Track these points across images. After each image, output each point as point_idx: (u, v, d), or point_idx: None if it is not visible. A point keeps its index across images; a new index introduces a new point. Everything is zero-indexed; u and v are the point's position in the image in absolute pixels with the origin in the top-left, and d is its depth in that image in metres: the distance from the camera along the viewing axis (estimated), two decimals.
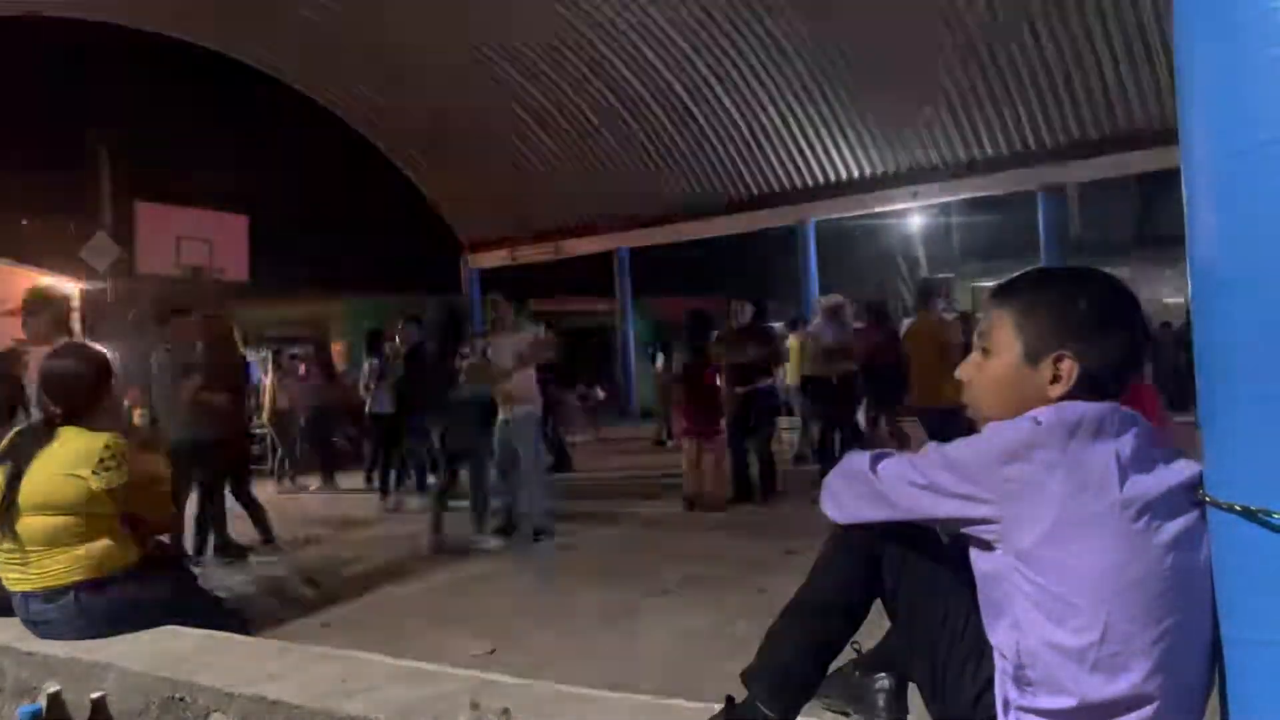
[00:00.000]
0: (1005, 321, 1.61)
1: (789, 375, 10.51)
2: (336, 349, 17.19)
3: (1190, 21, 1.37)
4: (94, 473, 2.90)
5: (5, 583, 3.01)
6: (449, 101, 17.91)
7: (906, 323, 8.70)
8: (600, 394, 18.00)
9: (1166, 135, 12.51)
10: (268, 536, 6.82)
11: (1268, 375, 1.26)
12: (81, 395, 3.08)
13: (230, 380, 6.74)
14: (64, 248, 14.52)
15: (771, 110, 16.03)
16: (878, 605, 1.84)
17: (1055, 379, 1.54)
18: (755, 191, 17.33)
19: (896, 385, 8.34)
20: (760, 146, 16.71)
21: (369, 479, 10.14)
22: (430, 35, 16.24)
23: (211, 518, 6.49)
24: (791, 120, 16.06)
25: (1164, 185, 19.69)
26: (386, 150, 20.04)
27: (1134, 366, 1.57)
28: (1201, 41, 1.34)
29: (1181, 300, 17.70)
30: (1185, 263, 1.39)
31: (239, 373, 7.33)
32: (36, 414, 3.64)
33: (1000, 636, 1.54)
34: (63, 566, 2.91)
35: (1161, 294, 20.94)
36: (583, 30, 15.59)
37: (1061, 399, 1.53)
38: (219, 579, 5.50)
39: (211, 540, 6.48)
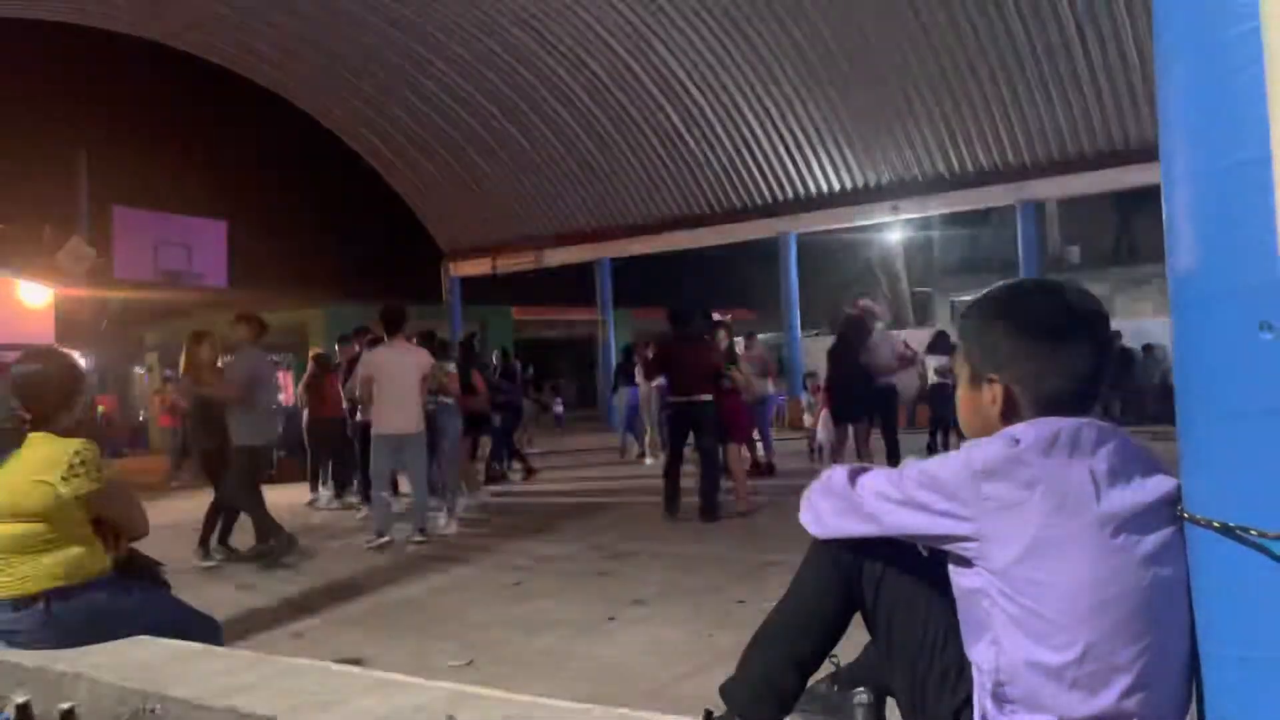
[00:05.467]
0: (960, 347, 1.67)
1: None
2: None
3: (1171, 41, 1.38)
4: (62, 479, 2.85)
5: None
6: (432, 111, 17.90)
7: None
8: (559, 405, 17.73)
9: (1145, 152, 12.72)
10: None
11: (1247, 392, 1.27)
12: (50, 400, 3.03)
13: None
14: (40, 252, 14.39)
15: (754, 123, 16.10)
16: (857, 619, 1.84)
17: (994, 400, 1.57)
18: (737, 204, 17.39)
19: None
20: (743, 159, 16.78)
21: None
22: (415, 45, 16.24)
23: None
24: (774, 133, 16.14)
25: (1143, 202, 19.93)
26: (369, 157, 19.98)
27: (1084, 382, 1.54)
28: (1182, 60, 1.35)
29: (1160, 316, 17.87)
30: (1163, 279, 1.40)
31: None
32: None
33: (979, 653, 1.54)
34: (32, 574, 2.86)
35: (1139, 310, 21.17)
36: (567, 41, 15.62)
37: (1006, 420, 1.55)
38: (192, 588, 5.44)
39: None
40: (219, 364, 7.09)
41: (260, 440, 6.82)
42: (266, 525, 6.66)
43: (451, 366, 8.50)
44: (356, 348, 9.20)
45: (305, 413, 10.45)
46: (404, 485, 8.31)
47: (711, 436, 7.65)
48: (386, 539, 6.99)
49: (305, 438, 10.45)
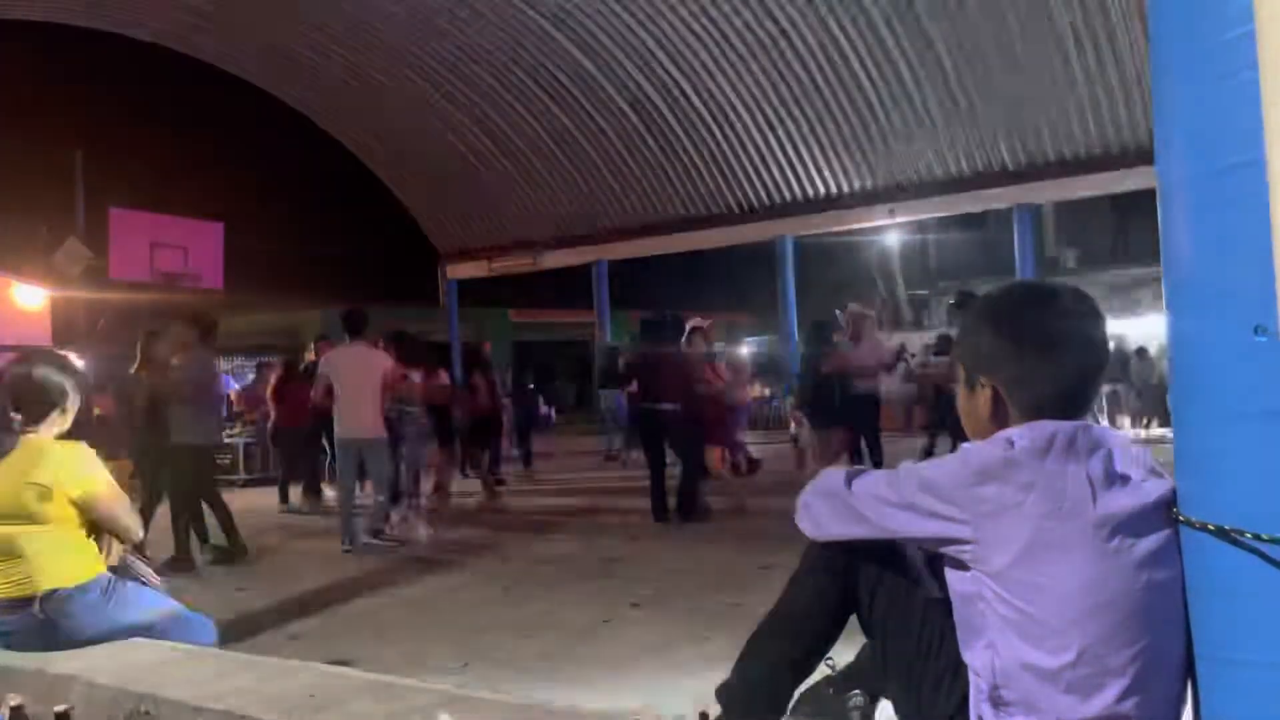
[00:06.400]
0: (956, 349, 1.71)
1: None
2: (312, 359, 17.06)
3: (1166, 46, 1.38)
4: (57, 482, 2.85)
5: None
6: (428, 112, 17.89)
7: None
8: (545, 407, 17.70)
9: (1142, 156, 12.74)
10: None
11: (1242, 395, 1.27)
12: (45, 403, 3.02)
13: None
14: (36, 253, 14.38)
15: (750, 126, 16.10)
16: (852, 621, 1.84)
17: (984, 403, 1.59)
18: (735, 207, 17.39)
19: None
20: (740, 162, 16.77)
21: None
22: (410, 46, 16.23)
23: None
24: (770, 136, 16.14)
25: (1139, 205, 19.97)
26: (365, 159, 19.96)
27: (1073, 387, 1.54)
28: (1178, 64, 1.36)
29: (1156, 319, 17.89)
30: (1159, 282, 1.40)
31: None
32: None
33: (975, 656, 1.54)
34: (26, 576, 2.86)
35: (1135, 312, 21.19)
36: (562, 43, 15.63)
37: (997, 422, 1.56)
38: (188, 590, 5.43)
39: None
40: (172, 362, 6.93)
41: (205, 440, 6.80)
42: (182, 537, 6.56)
43: (416, 376, 8.21)
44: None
45: (270, 420, 10.36)
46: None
47: (682, 440, 7.69)
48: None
49: (269, 444, 10.35)
